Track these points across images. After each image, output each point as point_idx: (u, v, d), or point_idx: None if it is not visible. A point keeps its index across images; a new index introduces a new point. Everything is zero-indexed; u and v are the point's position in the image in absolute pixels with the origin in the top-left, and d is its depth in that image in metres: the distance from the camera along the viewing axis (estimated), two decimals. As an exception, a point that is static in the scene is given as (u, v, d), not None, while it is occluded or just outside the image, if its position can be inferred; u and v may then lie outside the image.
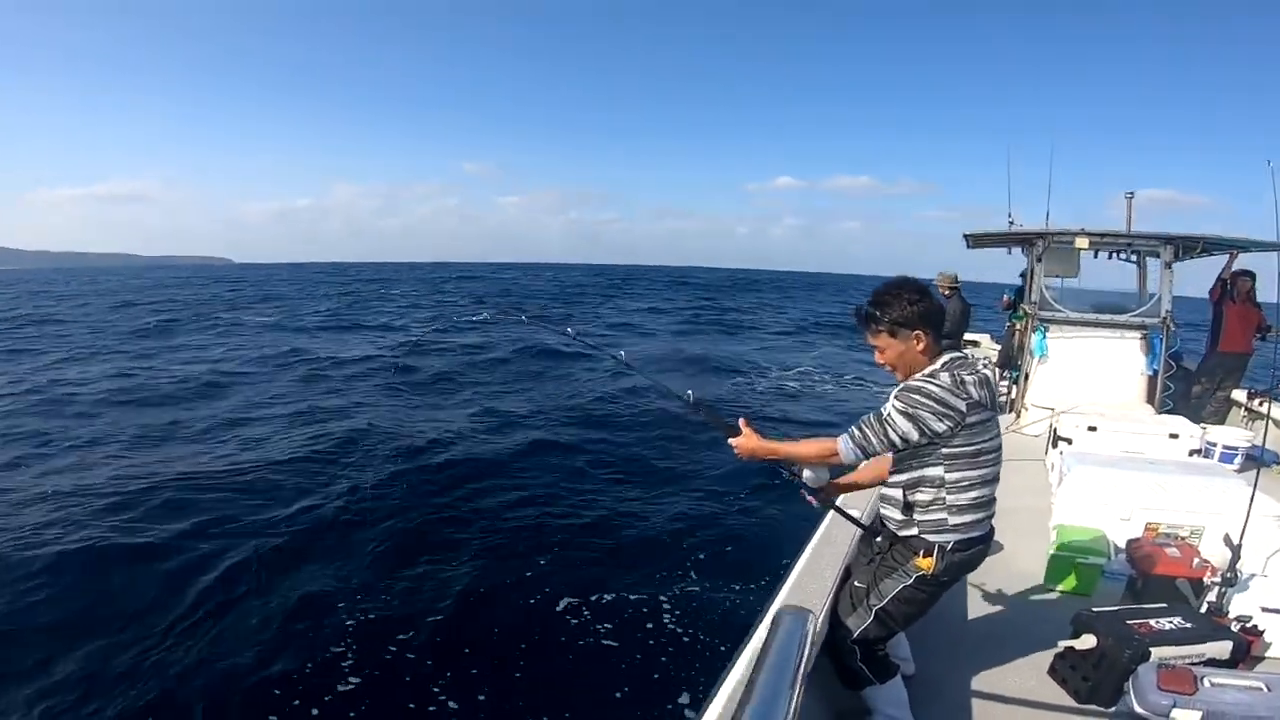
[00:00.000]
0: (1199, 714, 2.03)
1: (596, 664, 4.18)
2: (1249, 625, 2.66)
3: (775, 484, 6.30)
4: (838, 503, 2.54)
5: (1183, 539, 3.35)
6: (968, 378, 2.04)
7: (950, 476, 2.07)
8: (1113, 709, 2.34)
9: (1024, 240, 6.65)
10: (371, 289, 40.80)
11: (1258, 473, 3.14)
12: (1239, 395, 6.47)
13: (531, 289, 42.76)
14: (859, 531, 2.45)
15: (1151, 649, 2.38)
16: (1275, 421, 5.66)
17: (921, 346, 2.10)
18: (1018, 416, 6.52)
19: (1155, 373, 6.09)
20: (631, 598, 4.82)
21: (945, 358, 2.10)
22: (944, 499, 2.08)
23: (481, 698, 3.87)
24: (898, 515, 2.17)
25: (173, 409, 10.05)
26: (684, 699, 3.83)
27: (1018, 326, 7.16)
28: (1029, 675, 2.66)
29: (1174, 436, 4.70)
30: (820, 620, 2.20)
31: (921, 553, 2.10)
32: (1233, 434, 5.09)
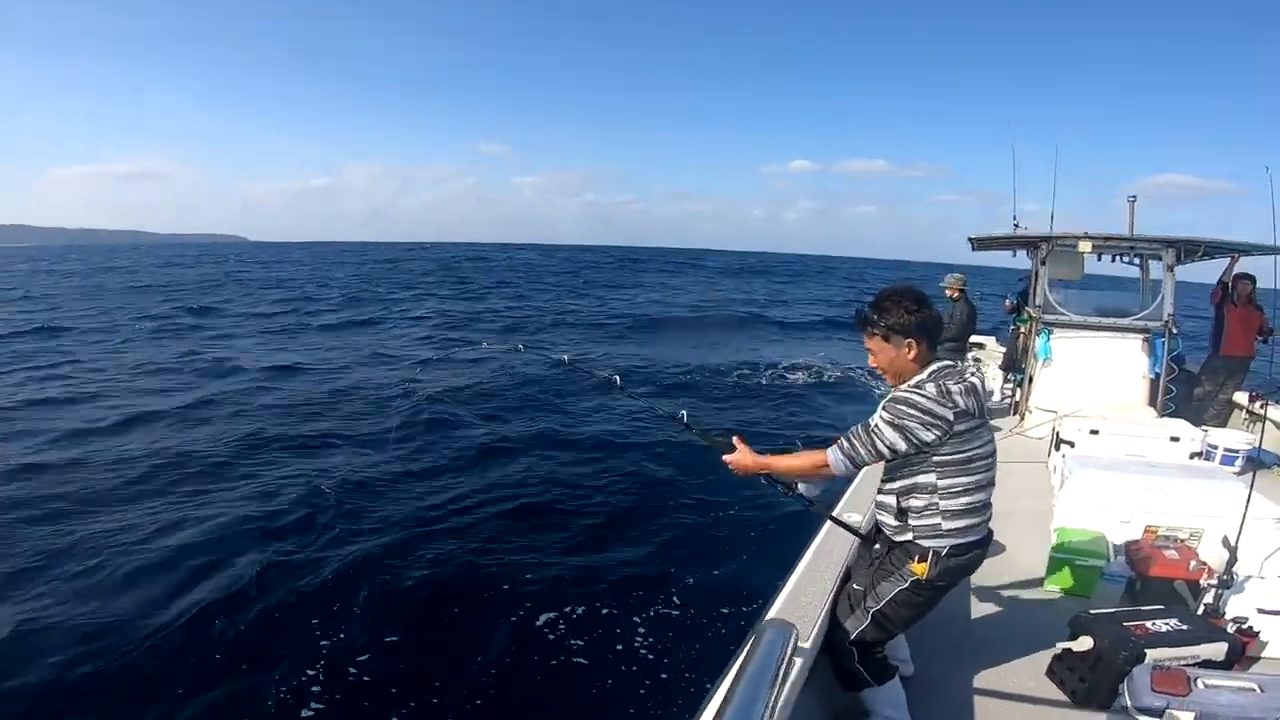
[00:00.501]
0: (1192, 715, 2.06)
1: (583, 683, 4.16)
2: (1245, 627, 2.69)
3: (764, 496, 6.29)
4: (835, 513, 2.59)
5: (1181, 541, 3.37)
6: (953, 387, 2.08)
7: (942, 483, 2.11)
8: (1109, 711, 2.38)
9: (1028, 243, 6.71)
10: (376, 282, 39.74)
11: (1254, 475, 3.17)
12: (1240, 398, 6.48)
13: (545, 280, 40.79)
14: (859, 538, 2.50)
15: (1147, 651, 2.41)
16: (1275, 424, 5.67)
17: (913, 355, 2.15)
18: (1021, 419, 6.55)
19: (1157, 376, 6.11)
20: (621, 618, 4.77)
21: (933, 367, 2.15)
22: (937, 504, 2.12)
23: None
24: (892, 521, 2.21)
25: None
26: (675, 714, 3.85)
27: (1022, 329, 7.19)
28: (1028, 676, 2.69)
29: (1175, 439, 4.72)
30: (816, 626, 2.24)
31: (917, 558, 2.14)
32: (1233, 437, 5.12)
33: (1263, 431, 4.79)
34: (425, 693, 4.04)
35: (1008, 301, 7.90)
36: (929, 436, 2.05)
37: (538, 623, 4.70)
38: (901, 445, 2.07)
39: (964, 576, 2.26)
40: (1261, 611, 2.75)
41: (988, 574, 3.43)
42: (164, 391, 11.34)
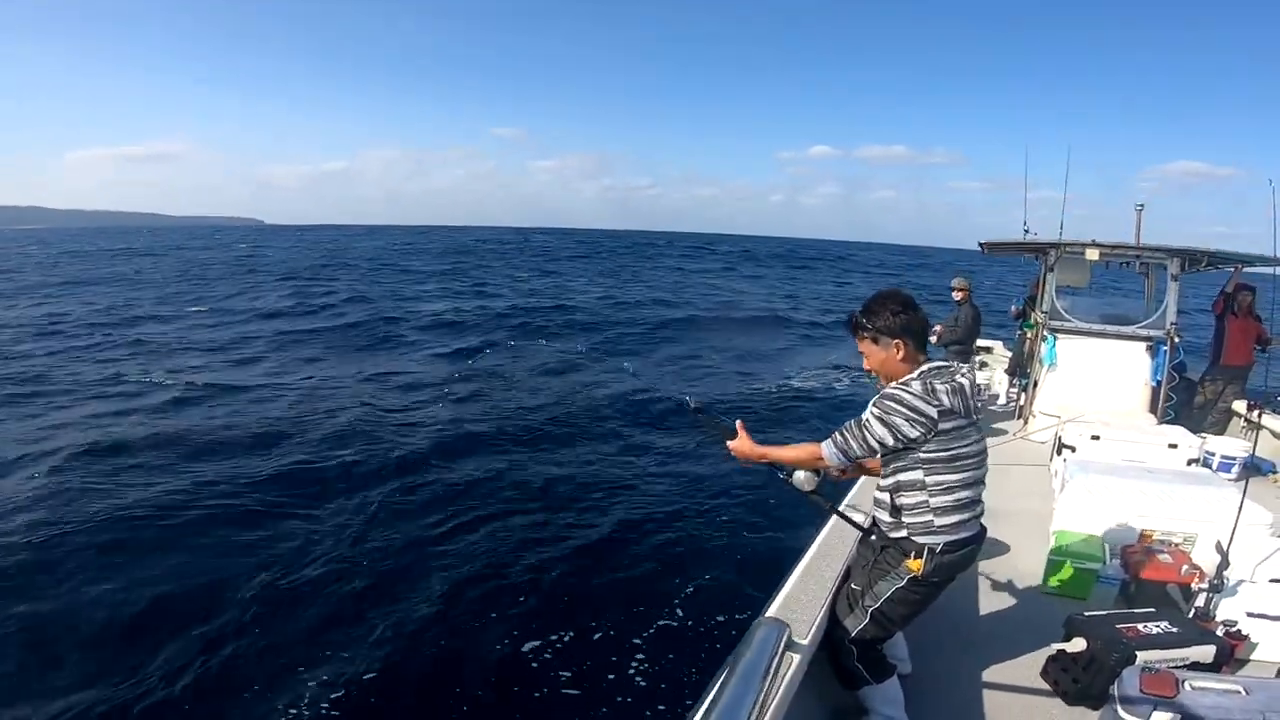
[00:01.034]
0: (1178, 716, 2.12)
1: (583, 682, 4.21)
2: (1234, 630, 2.76)
3: (766, 495, 6.31)
4: (840, 506, 2.67)
5: (1176, 545, 3.45)
6: (940, 386, 2.15)
7: (930, 480, 2.18)
8: (1100, 711, 2.44)
9: (1037, 250, 6.80)
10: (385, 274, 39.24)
11: (1246, 482, 3.25)
12: (1239, 406, 6.55)
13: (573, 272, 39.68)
14: (859, 534, 2.57)
15: (1138, 652, 2.48)
16: (1272, 432, 5.74)
17: (901, 355, 2.23)
18: (1025, 423, 6.62)
19: (1159, 383, 6.18)
20: (621, 619, 4.78)
21: (924, 367, 2.22)
22: (927, 501, 2.19)
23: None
24: (888, 518, 2.28)
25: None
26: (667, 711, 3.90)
27: (1028, 335, 7.27)
28: (1023, 676, 2.76)
29: (1173, 446, 4.80)
30: (815, 623, 2.31)
31: (911, 555, 2.21)
32: (1230, 444, 5.19)
33: (1257, 439, 4.86)
34: (425, 693, 4.11)
35: (1014, 307, 7.96)
36: (914, 433, 2.12)
37: (533, 627, 4.69)
38: (889, 440, 2.15)
39: (959, 572, 2.32)
40: (1250, 615, 2.82)
41: (987, 574, 3.52)
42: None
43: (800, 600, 2.44)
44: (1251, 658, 2.81)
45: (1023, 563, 3.69)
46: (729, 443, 2.49)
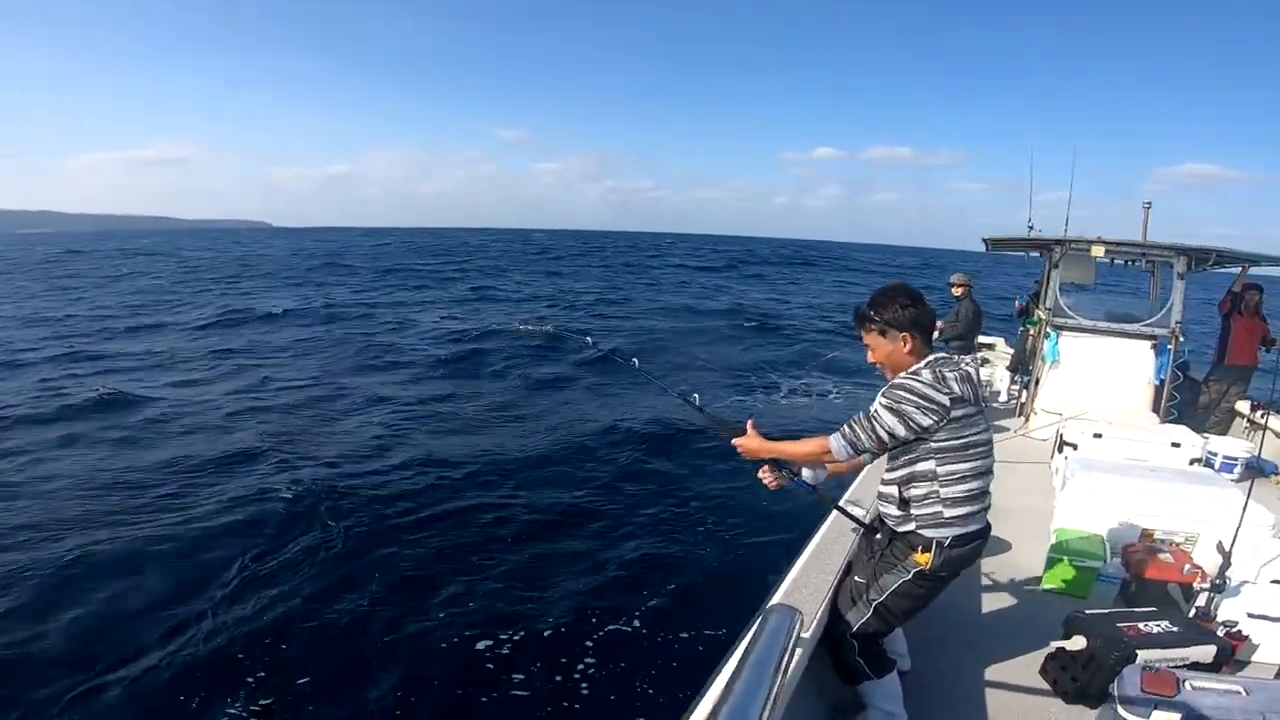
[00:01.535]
0: (1178, 716, 2.12)
1: (581, 678, 4.19)
2: (1234, 630, 2.76)
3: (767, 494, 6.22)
4: (840, 502, 2.66)
5: (1177, 545, 3.45)
6: (949, 374, 2.14)
7: (942, 470, 2.16)
8: (1099, 709, 2.44)
9: (1042, 246, 6.76)
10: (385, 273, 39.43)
11: (1251, 482, 3.23)
12: (1243, 406, 6.53)
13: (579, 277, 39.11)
14: (861, 529, 2.56)
15: (1138, 651, 2.47)
16: (1275, 432, 5.72)
17: (908, 348, 2.22)
18: (1026, 420, 6.61)
19: (1162, 382, 6.16)
20: (620, 614, 4.78)
21: (930, 358, 2.21)
22: (938, 492, 2.17)
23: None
24: (895, 511, 2.26)
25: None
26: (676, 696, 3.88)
27: (1031, 331, 7.24)
28: (1023, 674, 2.76)
29: (1176, 445, 4.79)
30: (816, 617, 2.30)
31: (920, 548, 2.20)
32: (1233, 444, 5.18)
33: (1262, 440, 4.84)
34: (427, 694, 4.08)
35: (1018, 303, 7.94)
36: (926, 421, 2.11)
37: (534, 626, 4.66)
38: (900, 430, 2.13)
39: (965, 567, 2.30)
40: (1251, 616, 2.82)
41: (988, 571, 3.51)
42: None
43: (801, 593, 2.42)
44: (1252, 659, 2.81)
45: (1023, 560, 3.69)
46: (737, 440, 2.48)
